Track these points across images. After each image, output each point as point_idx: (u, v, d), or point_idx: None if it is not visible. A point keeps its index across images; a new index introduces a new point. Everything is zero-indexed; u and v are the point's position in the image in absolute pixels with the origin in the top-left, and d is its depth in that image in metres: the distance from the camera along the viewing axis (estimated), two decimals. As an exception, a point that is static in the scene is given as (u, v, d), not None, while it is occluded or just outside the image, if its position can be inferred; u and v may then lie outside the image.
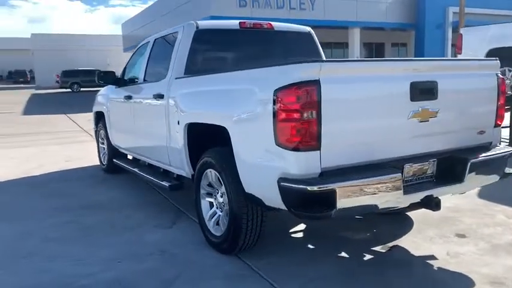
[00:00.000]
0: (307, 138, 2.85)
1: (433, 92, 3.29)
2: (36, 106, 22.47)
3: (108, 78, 6.24)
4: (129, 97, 5.66)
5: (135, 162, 6.17)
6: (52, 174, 7.18)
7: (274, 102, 2.93)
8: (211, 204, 4.00)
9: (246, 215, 3.50)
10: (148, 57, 5.44)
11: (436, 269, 3.54)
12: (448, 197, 5.20)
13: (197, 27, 4.66)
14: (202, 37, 4.68)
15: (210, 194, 4.01)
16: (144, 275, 3.50)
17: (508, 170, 3.79)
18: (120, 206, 5.30)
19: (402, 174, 3.22)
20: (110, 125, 6.64)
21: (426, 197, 3.30)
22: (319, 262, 3.66)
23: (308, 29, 5.43)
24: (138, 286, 3.35)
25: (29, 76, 49.59)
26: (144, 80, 5.40)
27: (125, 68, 6.32)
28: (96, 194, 5.89)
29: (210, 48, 4.85)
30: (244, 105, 3.31)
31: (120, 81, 6.15)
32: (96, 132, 7.49)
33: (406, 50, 34.76)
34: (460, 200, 5.23)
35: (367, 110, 3.05)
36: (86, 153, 8.61)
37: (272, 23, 5.18)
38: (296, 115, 2.83)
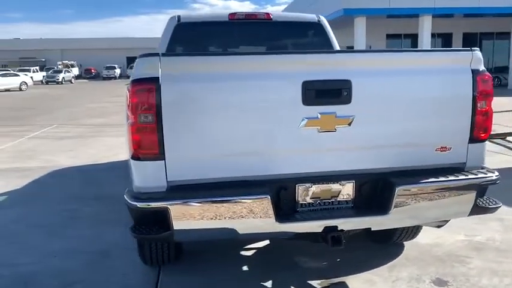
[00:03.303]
0: (146, 145, 2.44)
1: (342, 94, 2.52)
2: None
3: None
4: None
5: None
6: (111, 163, 7.66)
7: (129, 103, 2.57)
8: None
9: None
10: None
11: (352, 321, 2.75)
12: (482, 228, 4.11)
13: (178, 21, 4.43)
14: (184, 31, 4.42)
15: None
16: (55, 274, 3.48)
17: (484, 203, 2.75)
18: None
19: (295, 195, 2.59)
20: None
21: (326, 228, 2.57)
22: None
23: (317, 18, 4.72)
24: (35, 284, 3.33)
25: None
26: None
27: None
28: (120, 185, 6.09)
29: (194, 42, 4.54)
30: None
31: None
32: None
33: None
34: (505, 234, 4.05)
35: (233, 115, 2.47)
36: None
37: (271, 13, 4.64)
38: (134, 118, 2.44)
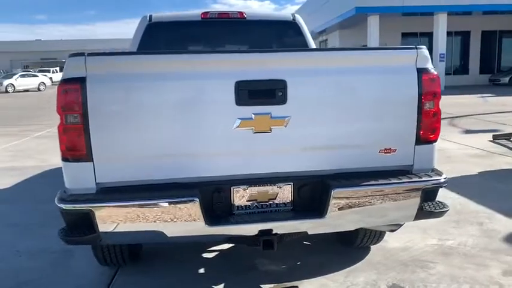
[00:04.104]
0: (73, 146, 2.42)
1: (277, 94, 2.45)
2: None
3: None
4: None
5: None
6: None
7: None
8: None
9: None
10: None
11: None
12: (460, 231, 3.98)
13: (150, 20, 4.41)
14: (156, 31, 4.39)
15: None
16: (11, 273, 3.50)
17: (430, 207, 2.65)
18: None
19: (230, 197, 2.53)
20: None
21: (261, 231, 2.51)
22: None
23: (292, 17, 4.63)
24: (-11, 284, 3.37)
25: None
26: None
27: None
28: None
29: (166, 43, 4.50)
30: None
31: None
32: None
33: None
34: (479, 239, 3.91)
35: (163, 115, 2.42)
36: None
37: (245, 11, 4.57)
38: (62, 119, 2.43)
